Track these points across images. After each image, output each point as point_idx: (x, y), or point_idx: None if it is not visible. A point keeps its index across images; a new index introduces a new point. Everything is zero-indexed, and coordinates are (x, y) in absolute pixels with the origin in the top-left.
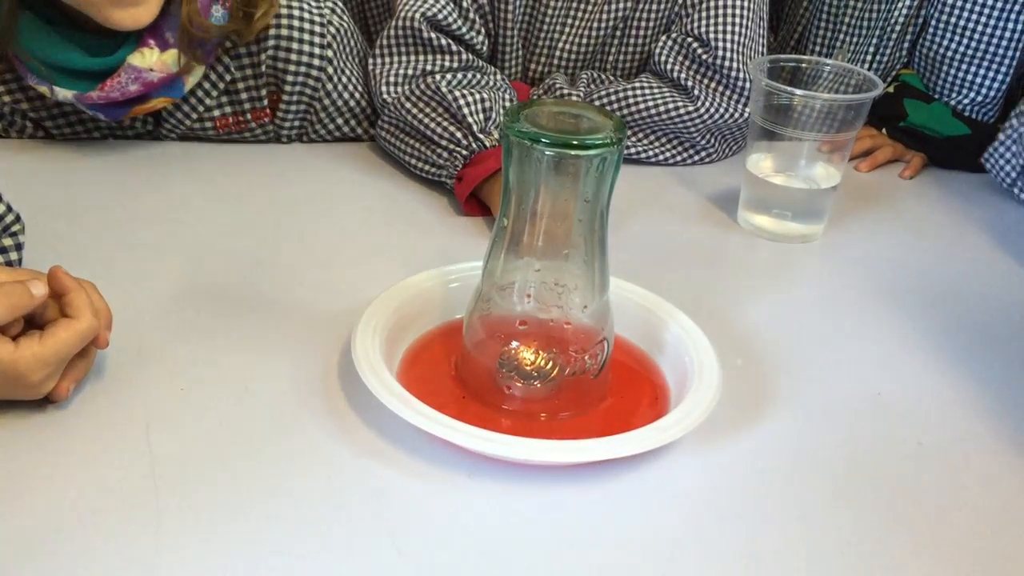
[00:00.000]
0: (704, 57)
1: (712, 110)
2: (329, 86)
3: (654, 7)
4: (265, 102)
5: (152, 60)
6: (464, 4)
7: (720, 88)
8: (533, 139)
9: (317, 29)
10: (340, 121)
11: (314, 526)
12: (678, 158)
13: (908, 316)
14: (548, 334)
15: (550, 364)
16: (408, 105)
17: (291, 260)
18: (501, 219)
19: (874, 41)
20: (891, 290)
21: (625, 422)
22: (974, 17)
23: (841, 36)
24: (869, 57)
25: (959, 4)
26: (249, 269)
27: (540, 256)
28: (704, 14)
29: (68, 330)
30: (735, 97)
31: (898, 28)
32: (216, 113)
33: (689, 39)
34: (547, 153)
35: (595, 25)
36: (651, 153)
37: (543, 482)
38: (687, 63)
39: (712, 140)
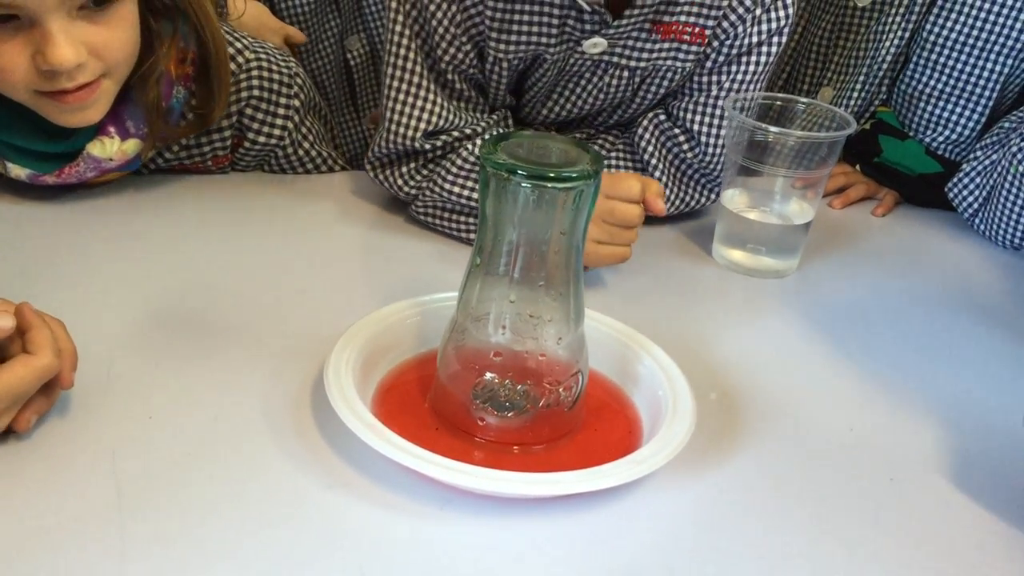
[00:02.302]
0: (688, 155)
1: (675, 200)
2: (297, 135)
3: (650, 96)
4: (225, 151)
5: (112, 150)
6: (457, 86)
7: (697, 182)
8: (510, 171)
9: (285, 81)
10: (297, 162)
11: (284, 557)
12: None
13: (880, 352)
14: (523, 366)
15: (524, 396)
16: (447, 186)
17: (263, 289)
18: (477, 250)
19: (861, 79)
20: (863, 326)
21: (599, 455)
22: (954, 55)
23: (829, 74)
24: (854, 94)
25: (941, 42)
26: (220, 298)
27: (515, 287)
28: (693, 108)
29: (26, 367)
30: (709, 187)
31: (884, 66)
32: (174, 162)
33: (676, 130)
34: (524, 185)
35: (583, 104)
36: None
37: (516, 515)
38: (667, 156)
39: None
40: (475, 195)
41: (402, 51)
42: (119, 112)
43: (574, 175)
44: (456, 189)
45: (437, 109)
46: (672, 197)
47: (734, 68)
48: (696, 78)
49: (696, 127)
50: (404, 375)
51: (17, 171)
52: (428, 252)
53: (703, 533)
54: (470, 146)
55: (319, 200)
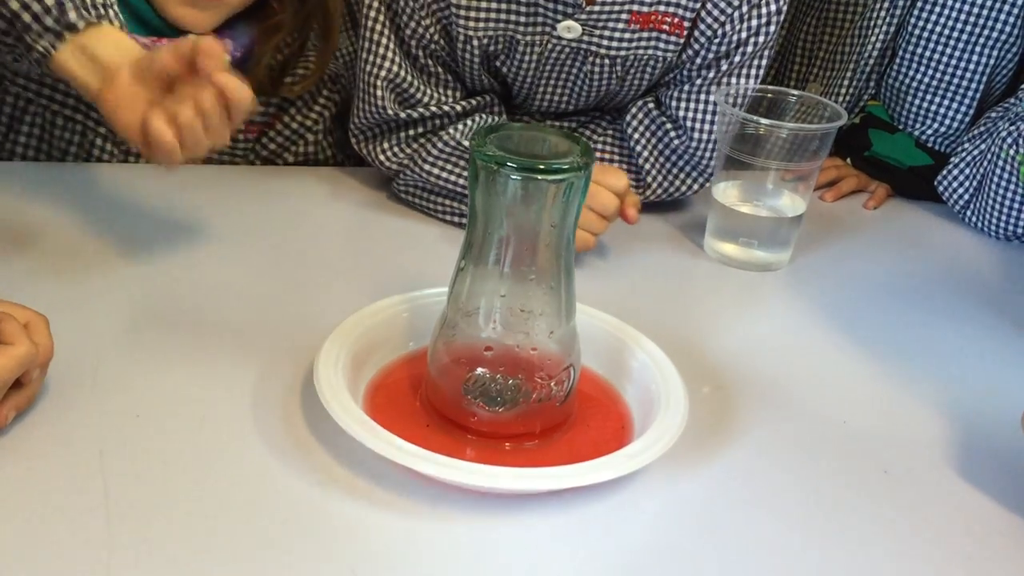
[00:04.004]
0: (676, 142)
1: (658, 189)
2: (324, 128)
3: (635, 85)
4: (259, 119)
5: None
6: (421, 61)
7: (682, 169)
8: (500, 163)
9: (325, 92)
10: (303, 147)
11: (274, 556)
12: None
13: (873, 344)
14: (514, 360)
15: (516, 390)
16: (427, 167)
17: (250, 286)
18: (467, 244)
19: (848, 74)
20: (856, 318)
21: (591, 449)
22: (940, 48)
23: (815, 70)
24: (842, 90)
25: (926, 35)
26: (207, 296)
27: (506, 281)
28: (682, 96)
29: (3, 356)
30: (696, 175)
31: (871, 61)
32: None
33: (663, 119)
34: (514, 177)
35: (572, 93)
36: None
37: (508, 511)
38: (654, 142)
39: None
40: (455, 178)
41: (371, 23)
42: (224, 33)
43: (564, 167)
44: (436, 171)
45: (406, 76)
46: (656, 184)
47: (723, 64)
48: (685, 71)
49: (683, 114)
50: (394, 371)
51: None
52: (417, 247)
53: (697, 527)
54: (452, 130)
55: (306, 196)
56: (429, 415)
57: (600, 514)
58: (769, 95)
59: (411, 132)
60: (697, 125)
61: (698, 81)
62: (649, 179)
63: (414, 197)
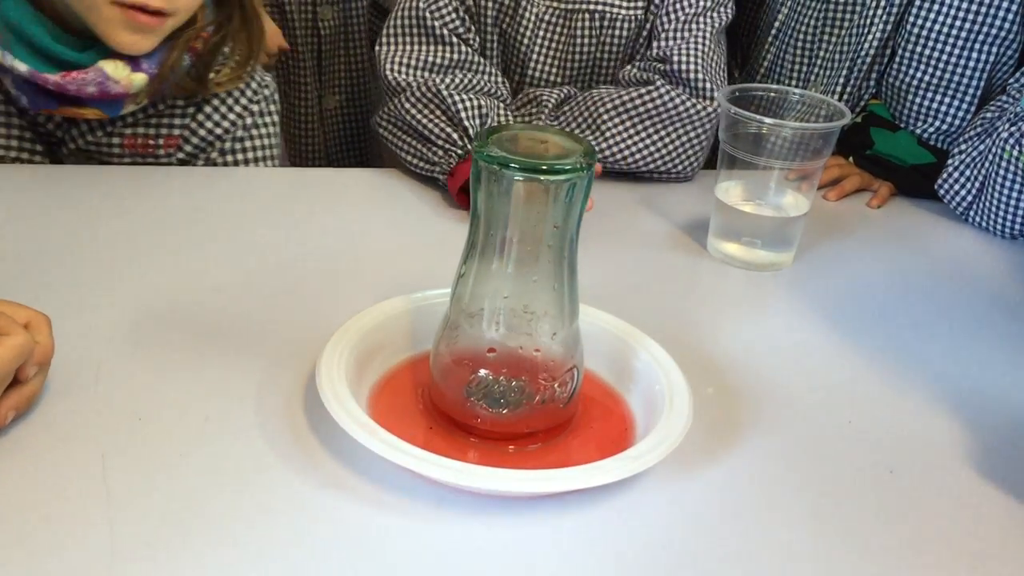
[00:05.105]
0: (665, 68)
1: (676, 99)
2: (239, 133)
3: (620, 32)
4: (177, 131)
5: (123, 75)
6: (455, 2)
7: (682, 90)
8: (502, 163)
9: (253, 85)
10: (239, 158)
11: (277, 559)
12: (651, 161)
13: (878, 343)
14: (517, 362)
15: (519, 392)
16: (407, 106)
17: (252, 288)
18: (470, 245)
19: (844, 73)
20: (860, 318)
21: (595, 451)
22: (939, 46)
23: (815, 70)
24: (840, 89)
25: (924, 34)
26: (209, 297)
27: (509, 282)
28: (664, 35)
29: (1, 346)
30: (697, 95)
31: (868, 60)
32: (127, 131)
33: (650, 60)
34: (516, 178)
35: (566, 49)
36: (623, 155)
37: (512, 513)
38: (648, 74)
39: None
40: (425, 121)
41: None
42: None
43: (567, 167)
44: (414, 111)
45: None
46: (663, 93)
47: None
48: (659, 21)
49: (667, 50)
50: (397, 373)
51: (18, 65)
52: (419, 248)
53: (701, 528)
54: (449, 80)
55: (308, 197)
56: (432, 417)
57: (604, 516)
58: (772, 94)
59: (420, 59)
60: (686, 54)
61: (673, 17)
62: (662, 90)
63: (389, 130)
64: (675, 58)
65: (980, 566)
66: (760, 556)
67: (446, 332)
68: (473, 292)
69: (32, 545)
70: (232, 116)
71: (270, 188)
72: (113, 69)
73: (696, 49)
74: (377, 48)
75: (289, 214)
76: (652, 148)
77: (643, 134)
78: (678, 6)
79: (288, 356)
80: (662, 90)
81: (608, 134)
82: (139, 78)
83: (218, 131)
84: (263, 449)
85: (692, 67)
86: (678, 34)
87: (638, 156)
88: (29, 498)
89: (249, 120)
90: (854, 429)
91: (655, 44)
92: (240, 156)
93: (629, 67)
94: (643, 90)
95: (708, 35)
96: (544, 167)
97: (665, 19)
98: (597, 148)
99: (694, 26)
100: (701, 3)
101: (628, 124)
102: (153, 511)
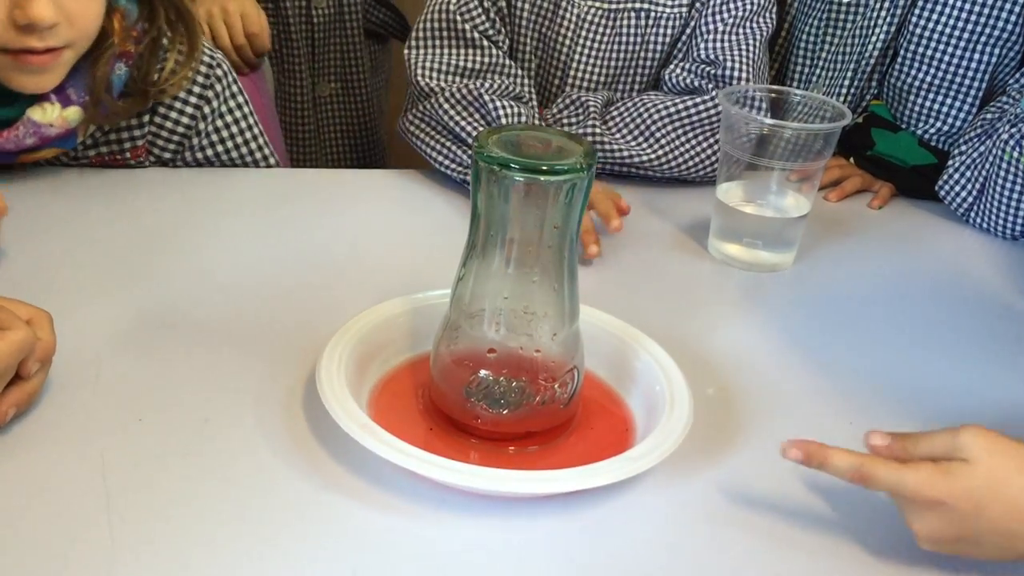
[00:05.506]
0: (712, 72)
1: (689, 157)
2: (203, 125)
3: (664, 31)
4: (141, 141)
5: (53, 116)
6: (486, 4)
7: (700, 133)
8: (503, 164)
9: (203, 69)
10: (220, 149)
11: (277, 560)
12: (703, 168)
13: (878, 344)
14: (517, 362)
15: (519, 393)
16: (447, 106)
17: (252, 288)
18: (470, 245)
19: (848, 74)
20: (861, 319)
21: (595, 452)
22: (941, 47)
23: (818, 71)
24: (844, 90)
25: (927, 35)
26: (209, 298)
27: (509, 283)
28: (712, 37)
29: (1, 341)
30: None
31: (872, 61)
32: (91, 153)
33: (698, 63)
34: (517, 178)
35: (610, 49)
36: (676, 163)
37: (511, 514)
38: (698, 79)
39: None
40: (463, 124)
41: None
42: (62, 82)
43: (567, 168)
44: (452, 112)
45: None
46: (710, 101)
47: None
48: (703, 20)
49: (714, 52)
50: (397, 374)
51: None
52: (420, 249)
53: (701, 529)
54: (488, 84)
55: (308, 197)
56: (432, 418)
57: (604, 517)
58: (773, 95)
59: (450, 63)
60: (730, 56)
61: (720, 22)
62: (708, 97)
63: (420, 132)
64: (727, 63)
65: (980, 566)
66: (760, 556)
67: (446, 333)
68: (473, 293)
69: (31, 543)
70: (190, 109)
71: (270, 188)
72: (41, 115)
73: (746, 55)
74: (406, 52)
75: (289, 214)
76: (703, 156)
77: (693, 141)
78: (724, 8)
79: (288, 356)
80: (716, 100)
81: (662, 141)
82: (72, 112)
83: (182, 126)
84: (263, 449)
85: (743, 75)
86: (728, 37)
87: (691, 163)
88: (28, 496)
89: (214, 106)
90: (855, 429)
91: (702, 45)
92: (227, 143)
93: (674, 68)
94: (697, 99)
95: (757, 42)
96: (544, 168)
97: (711, 19)
98: (651, 155)
99: (742, 30)
100: (747, 6)
101: (680, 132)
102: (152, 510)
